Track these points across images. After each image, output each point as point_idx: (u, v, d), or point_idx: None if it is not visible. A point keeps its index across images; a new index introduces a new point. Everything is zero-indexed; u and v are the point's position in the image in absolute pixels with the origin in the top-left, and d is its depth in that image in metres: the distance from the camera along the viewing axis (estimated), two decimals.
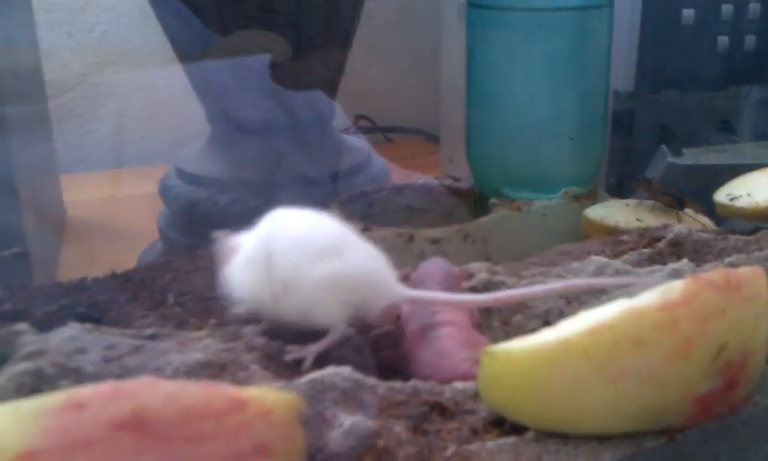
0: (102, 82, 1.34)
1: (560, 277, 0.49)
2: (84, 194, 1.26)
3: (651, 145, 0.86)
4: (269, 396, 0.29)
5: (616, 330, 0.32)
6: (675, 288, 0.32)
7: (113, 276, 0.73)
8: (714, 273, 0.33)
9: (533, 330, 0.45)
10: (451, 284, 0.44)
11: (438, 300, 0.42)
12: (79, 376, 0.37)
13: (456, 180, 0.78)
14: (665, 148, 0.79)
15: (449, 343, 0.39)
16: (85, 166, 1.35)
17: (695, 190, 0.70)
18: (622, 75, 0.84)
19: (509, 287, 0.48)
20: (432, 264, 0.46)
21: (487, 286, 0.48)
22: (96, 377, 0.37)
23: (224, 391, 0.28)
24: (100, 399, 0.26)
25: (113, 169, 1.37)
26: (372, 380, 0.36)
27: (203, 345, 0.40)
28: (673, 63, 0.83)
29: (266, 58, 0.85)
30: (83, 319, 0.62)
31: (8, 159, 0.79)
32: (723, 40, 0.82)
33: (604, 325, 0.32)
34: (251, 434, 0.28)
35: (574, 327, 0.33)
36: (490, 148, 0.71)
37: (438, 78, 1.20)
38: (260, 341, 0.41)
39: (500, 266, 0.51)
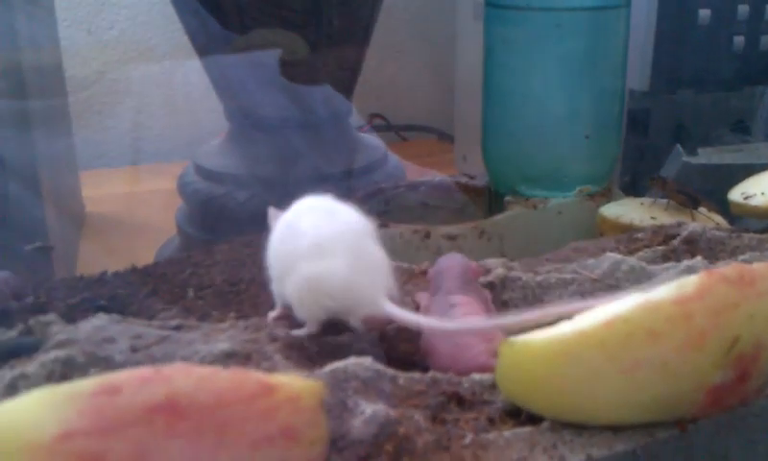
0: (121, 79, 1.36)
1: (575, 272, 0.50)
2: (103, 190, 1.28)
3: (666, 144, 0.86)
4: (295, 382, 0.30)
5: (631, 323, 0.33)
6: (689, 282, 0.33)
7: (134, 270, 0.75)
8: (728, 268, 0.34)
9: (549, 325, 0.46)
10: (468, 279, 0.45)
11: (415, 324, 0.41)
12: (108, 365, 0.38)
13: (471, 177, 0.79)
14: (680, 147, 0.80)
15: (467, 337, 0.40)
16: (105, 162, 1.37)
17: (710, 189, 0.70)
18: (638, 74, 0.84)
19: (525, 282, 0.49)
20: (449, 259, 0.47)
21: (503, 281, 0.49)
22: (125, 366, 0.38)
23: (253, 376, 0.29)
24: (134, 383, 0.27)
25: (132, 165, 1.39)
26: (391, 371, 0.37)
27: (227, 335, 0.41)
28: (689, 63, 0.84)
29: (283, 55, 0.87)
30: (105, 312, 0.63)
31: (31, 155, 0.81)
32: (739, 40, 0.82)
33: (619, 317, 0.33)
34: (278, 418, 0.29)
35: (590, 319, 0.34)
36: (505, 146, 0.72)
37: (452, 77, 1.21)
38: (282, 332, 0.42)
39: (516, 262, 0.52)
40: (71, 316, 0.64)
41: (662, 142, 0.87)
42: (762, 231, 0.58)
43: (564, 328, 0.34)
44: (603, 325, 0.33)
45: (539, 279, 0.49)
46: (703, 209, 0.67)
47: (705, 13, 0.80)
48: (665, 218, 0.64)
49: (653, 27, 0.82)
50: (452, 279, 0.44)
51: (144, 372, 0.28)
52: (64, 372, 0.37)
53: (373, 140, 0.98)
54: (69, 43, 1.26)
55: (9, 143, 0.77)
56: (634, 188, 0.87)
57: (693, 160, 0.78)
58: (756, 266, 0.35)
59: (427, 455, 0.32)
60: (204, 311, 0.62)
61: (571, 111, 0.68)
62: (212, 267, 0.74)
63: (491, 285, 0.48)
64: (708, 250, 0.55)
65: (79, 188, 1.19)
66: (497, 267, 0.50)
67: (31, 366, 0.37)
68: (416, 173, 1.04)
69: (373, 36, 0.92)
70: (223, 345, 0.40)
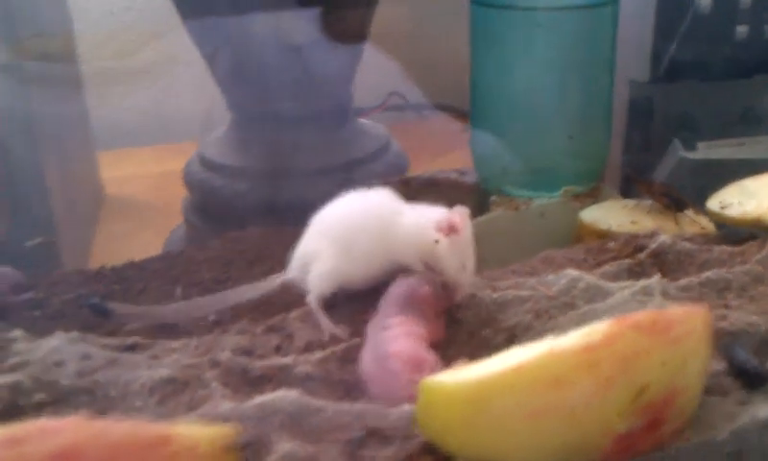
0: (140, 60, 1.38)
1: (532, 289, 0.50)
2: (122, 171, 1.31)
3: (671, 135, 0.84)
4: (194, 431, 0.31)
5: (538, 369, 0.33)
6: (598, 330, 0.33)
7: (131, 264, 0.77)
8: (642, 314, 0.34)
9: (499, 345, 0.47)
10: (412, 302, 0.45)
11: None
12: (53, 390, 0.40)
13: (462, 173, 0.78)
14: (678, 142, 0.78)
15: (396, 364, 0.40)
16: (125, 143, 1.39)
17: (706, 186, 0.69)
18: (637, 64, 0.82)
19: (479, 300, 0.49)
20: (400, 284, 0.47)
21: (460, 301, 0.49)
22: (70, 391, 0.40)
23: (150, 428, 0.30)
24: (36, 434, 0.29)
25: (152, 145, 1.41)
26: (320, 403, 0.38)
27: (172, 359, 0.43)
28: (690, 52, 0.81)
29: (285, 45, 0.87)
30: (96, 309, 0.66)
31: (36, 149, 0.83)
32: (742, 30, 0.79)
33: (526, 363, 0.33)
34: None
35: (501, 363, 0.34)
36: (491, 145, 0.71)
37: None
38: (226, 355, 0.43)
39: (477, 278, 0.52)
40: (64, 312, 0.67)
41: (667, 133, 0.85)
42: (740, 242, 0.56)
43: (478, 370, 0.35)
44: (511, 370, 0.33)
45: (494, 296, 0.49)
46: (690, 212, 0.65)
47: (705, 1, 0.77)
48: (647, 222, 0.63)
49: (652, 15, 0.80)
50: (395, 301, 0.45)
51: (45, 424, 0.29)
52: (11, 398, 0.39)
53: (376, 128, 0.98)
54: (88, 25, 1.28)
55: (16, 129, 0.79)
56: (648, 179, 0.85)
57: (690, 156, 0.77)
58: (673, 311, 0.35)
59: None
60: None
61: (554, 112, 0.67)
62: (203, 263, 0.75)
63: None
64: (677, 263, 0.54)
65: (96, 170, 1.22)
66: None
67: None
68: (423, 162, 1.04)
69: (394, 12, 0.90)
70: (165, 370, 0.41)
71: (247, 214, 0.87)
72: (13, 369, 0.41)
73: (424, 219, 0.47)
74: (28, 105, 0.82)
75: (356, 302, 0.49)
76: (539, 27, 0.65)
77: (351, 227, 0.48)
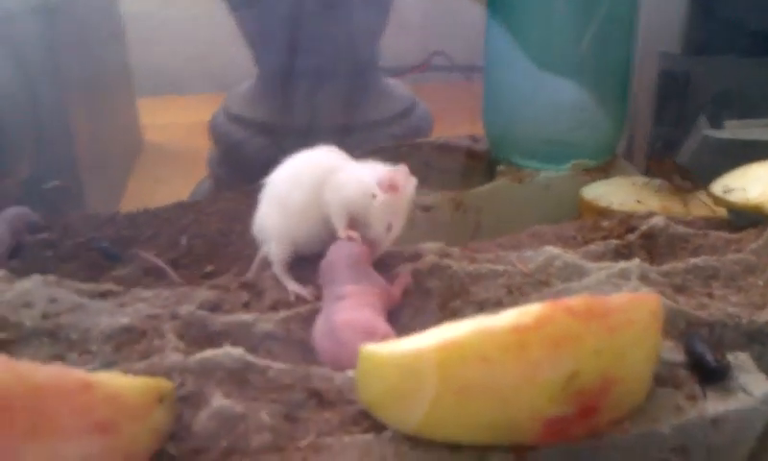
0: (180, 11, 1.39)
1: (509, 265, 0.49)
2: (163, 118, 1.33)
3: (701, 111, 0.81)
4: (118, 381, 0.32)
5: (465, 347, 0.32)
6: (530, 312, 0.32)
7: (145, 212, 0.79)
8: (576, 299, 0.33)
9: (467, 318, 0.46)
10: (360, 267, 0.45)
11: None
12: (17, 330, 0.41)
13: (476, 141, 0.77)
14: (704, 119, 0.75)
15: (346, 333, 0.40)
16: (168, 90, 1.41)
17: (729, 167, 0.66)
18: (669, 36, 0.79)
19: (453, 272, 0.49)
20: (336, 250, 0.46)
21: (431, 270, 0.48)
22: (32, 332, 0.42)
23: (73, 374, 0.31)
24: None
25: (196, 94, 1.43)
26: (264, 362, 0.39)
27: (134, 309, 0.44)
28: (728, 25, 0.78)
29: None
30: (105, 253, 0.68)
31: (63, 93, 0.85)
32: None
33: (455, 340, 0.33)
34: (95, 413, 0.31)
35: (434, 337, 0.34)
36: (502, 113, 0.70)
37: None
38: (186, 309, 0.44)
39: (456, 249, 0.51)
40: (75, 254, 0.69)
41: (698, 109, 0.82)
42: (740, 229, 0.54)
43: (413, 342, 0.34)
44: (439, 346, 0.33)
45: (469, 269, 0.48)
46: (701, 194, 0.63)
47: None
48: (653, 202, 0.61)
49: None
50: (342, 270, 0.44)
51: None
52: None
53: (402, 89, 0.97)
54: None
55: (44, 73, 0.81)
56: (666, 155, 0.82)
57: (715, 134, 0.73)
58: (613, 298, 0.34)
59: (258, 454, 0.34)
60: (182, 263, 0.65)
61: (566, 82, 0.65)
62: (212, 215, 0.77)
63: (417, 272, 0.48)
64: (668, 247, 0.52)
65: (136, 117, 1.24)
66: (429, 253, 0.50)
67: None
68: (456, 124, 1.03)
69: None
70: (124, 319, 0.42)
71: (266, 168, 0.88)
72: None
73: (366, 174, 0.47)
74: (58, 50, 0.84)
75: None
76: None
77: (288, 186, 0.48)
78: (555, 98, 0.66)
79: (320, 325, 0.42)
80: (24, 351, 0.40)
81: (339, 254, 0.45)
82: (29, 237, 0.69)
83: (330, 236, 0.47)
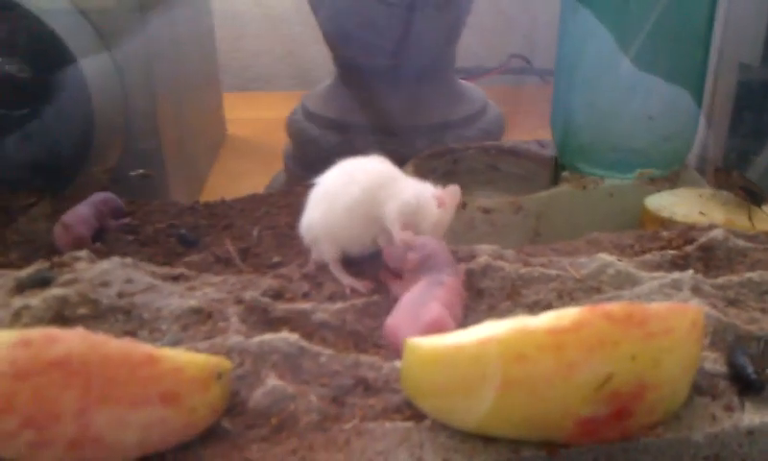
0: (268, 10, 1.44)
1: (562, 269, 0.50)
2: (247, 113, 1.38)
3: None
4: (183, 357, 0.35)
5: (504, 344, 0.34)
6: (568, 315, 0.34)
7: (222, 202, 0.83)
8: (616, 304, 0.34)
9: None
10: (453, 262, 0.47)
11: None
12: (95, 306, 0.45)
13: (543, 146, 0.78)
14: None
15: (403, 315, 0.42)
16: (255, 86, 1.46)
17: None
18: (749, 47, 0.78)
19: (506, 273, 0.50)
20: (431, 242, 0.48)
21: (484, 270, 0.50)
22: (109, 309, 0.45)
23: (142, 348, 0.34)
24: (42, 341, 0.33)
25: (278, 91, 1.48)
26: (317, 348, 0.41)
27: (202, 293, 0.47)
28: None
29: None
30: (183, 240, 0.72)
31: (152, 86, 0.89)
32: None
33: (494, 337, 0.34)
34: (159, 385, 0.34)
35: (475, 333, 0.35)
36: (569, 119, 0.70)
37: None
38: (250, 295, 0.47)
39: (511, 250, 0.53)
40: (156, 239, 0.74)
41: None
42: None
43: (455, 338, 0.36)
44: (479, 341, 0.35)
45: (522, 271, 0.50)
46: (767, 208, 0.62)
47: None
48: (717, 214, 0.61)
49: None
50: (443, 260, 0.47)
51: (51, 332, 0.34)
52: (59, 307, 0.44)
53: (475, 92, 0.98)
54: None
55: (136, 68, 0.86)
56: (742, 168, 0.81)
57: None
58: (653, 306, 0.34)
59: (306, 433, 0.36)
60: (252, 253, 0.69)
61: (635, 90, 0.65)
62: (282, 208, 0.80)
63: (470, 272, 0.50)
64: (726, 260, 0.52)
65: (221, 111, 1.30)
66: (483, 255, 0.51)
67: (35, 299, 0.45)
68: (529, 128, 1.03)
69: None
70: (193, 301, 0.45)
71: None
72: (66, 284, 0.46)
73: (425, 188, 0.51)
74: (150, 45, 0.89)
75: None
76: (627, 2, 0.63)
77: (341, 188, 0.50)
78: (622, 105, 0.66)
79: (407, 303, 0.44)
80: (100, 327, 0.44)
81: (437, 246, 0.48)
82: (112, 222, 0.74)
83: (374, 241, 0.51)
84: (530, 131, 1.01)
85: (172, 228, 0.75)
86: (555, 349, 0.33)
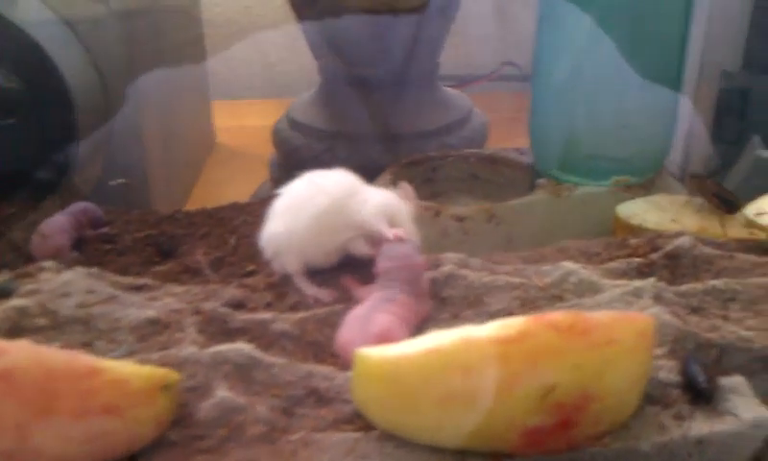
0: (258, 19, 1.44)
1: (525, 278, 0.50)
2: (235, 121, 1.38)
3: (759, 130, 0.79)
4: (127, 368, 0.35)
5: (447, 355, 0.34)
6: (513, 324, 0.34)
7: (202, 211, 0.83)
8: (561, 314, 0.34)
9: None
10: (413, 283, 0.47)
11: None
12: (53, 318, 0.45)
13: (521, 153, 0.77)
14: (758, 139, 0.73)
15: (352, 330, 0.42)
16: (243, 94, 1.47)
17: None
18: (729, 54, 0.77)
19: (470, 282, 0.50)
20: (399, 250, 0.48)
21: (447, 279, 0.50)
22: (67, 320, 0.45)
23: (84, 359, 0.34)
24: None
25: (266, 99, 1.48)
26: (270, 359, 0.41)
27: (162, 303, 0.47)
28: None
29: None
30: (160, 248, 0.72)
31: (134, 94, 0.90)
32: None
33: (437, 348, 0.34)
34: (101, 397, 0.34)
35: (421, 345, 0.35)
36: (545, 127, 0.70)
37: None
38: (210, 305, 0.47)
39: (477, 259, 0.53)
40: (134, 249, 0.74)
41: (758, 130, 0.80)
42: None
43: (401, 348, 0.36)
44: (424, 353, 0.34)
45: (486, 280, 0.50)
46: (741, 216, 0.62)
47: None
48: (689, 222, 0.61)
49: (749, 3, 0.75)
50: (402, 279, 0.46)
51: None
52: (17, 318, 0.44)
53: (460, 99, 0.98)
54: None
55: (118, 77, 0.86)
56: (724, 174, 0.81)
57: (767, 155, 0.72)
58: (598, 316, 0.34)
59: (252, 444, 0.36)
60: (227, 262, 0.68)
61: (608, 98, 0.65)
62: (261, 217, 0.80)
63: (434, 281, 0.50)
64: (692, 267, 0.52)
65: (209, 119, 1.30)
66: (448, 263, 0.51)
67: None
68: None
69: None
70: (151, 312, 0.45)
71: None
72: (27, 295, 0.46)
73: (384, 191, 0.53)
74: (136, 54, 0.89)
75: (347, 267, 0.52)
76: (601, 11, 0.63)
77: (305, 201, 0.51)
78: (597, 113, 0.66)
79: (358, 311, 0.44)
80: (59, 338, 0.44)
81: (416, 263, 0.47)
82: (90, 231, 0.74)
83: (339, 252, 0.51)
84: (517, 137, 1.01)
85: (150, 238, 0.75)
86: (499, 359, 0.33)
